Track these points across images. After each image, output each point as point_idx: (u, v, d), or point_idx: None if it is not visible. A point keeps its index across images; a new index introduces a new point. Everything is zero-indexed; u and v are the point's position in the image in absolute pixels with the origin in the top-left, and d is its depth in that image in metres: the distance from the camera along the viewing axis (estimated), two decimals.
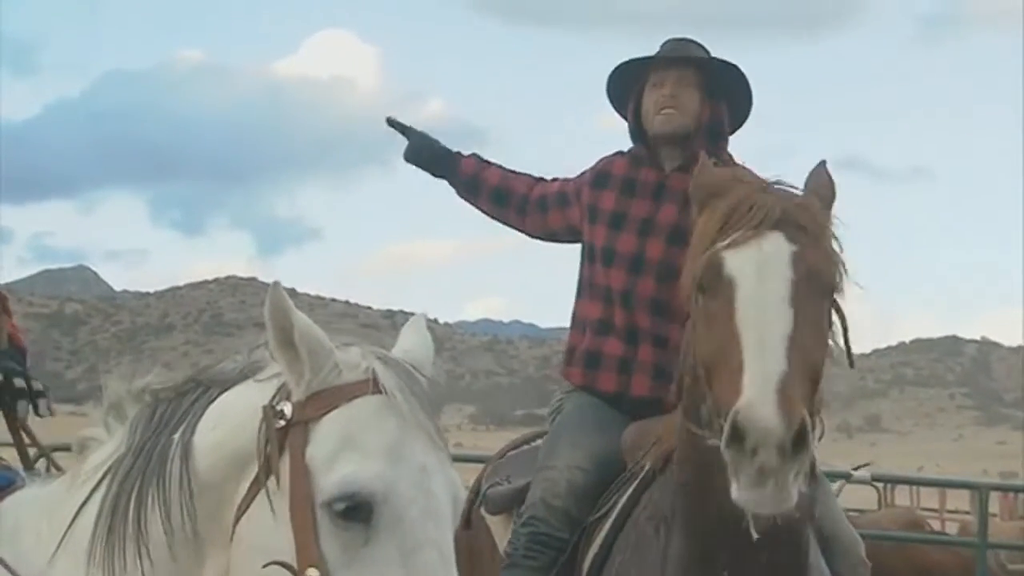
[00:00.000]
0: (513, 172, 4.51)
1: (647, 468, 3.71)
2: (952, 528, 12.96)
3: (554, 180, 4.45)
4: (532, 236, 4.50)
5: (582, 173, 4.34)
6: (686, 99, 4.04)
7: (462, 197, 4.58)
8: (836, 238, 3.28)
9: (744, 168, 3.55)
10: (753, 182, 3.33)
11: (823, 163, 3.46)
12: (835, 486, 8.27)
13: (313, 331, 2.32)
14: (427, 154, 4.54)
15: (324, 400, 2.29)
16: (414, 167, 4.55)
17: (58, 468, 2.97)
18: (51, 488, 2.62)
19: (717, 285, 3.14)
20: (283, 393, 2.33)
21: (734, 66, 4.12)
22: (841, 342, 3.30)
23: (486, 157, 4.54)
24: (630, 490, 3.74)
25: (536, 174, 4.51)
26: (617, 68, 4.17)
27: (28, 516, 2.55)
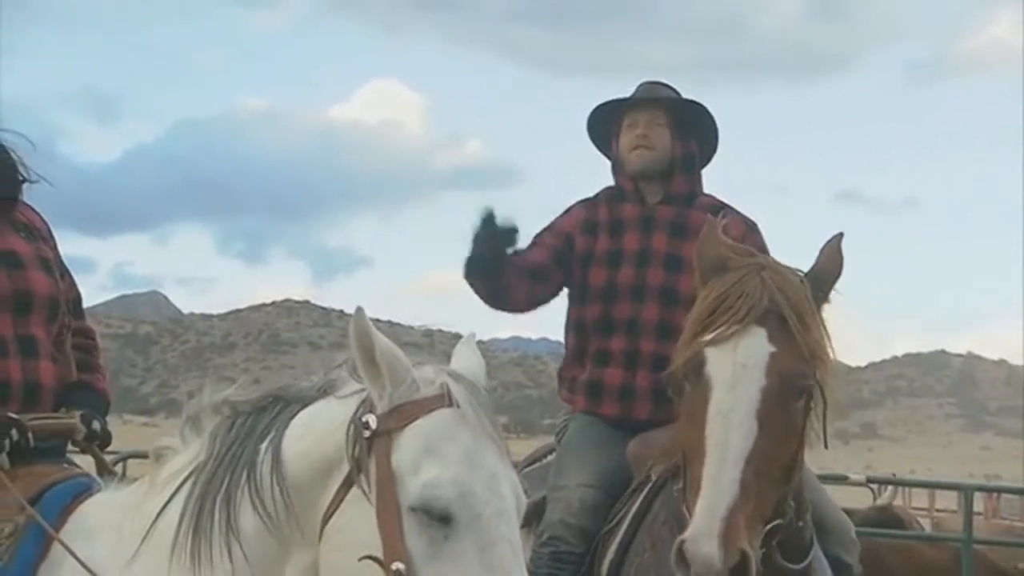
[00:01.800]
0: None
1: (655, 477, 3.69)
2: (929, 525, 12.84)
3: (531, 247, 4.03)
4: (526, 310, 4.10)
5: (554, 224, 4.10)
6: (657, 137, 3.99)
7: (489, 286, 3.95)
8: (823, 325, 3.21)
9: (742, 245, 3.39)
10: (749, 264, 3.23)
11: (839, 236, 3.34)
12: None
13: (392, 350, 2.34)
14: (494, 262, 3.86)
15: (405, 413, 2.31)
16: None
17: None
18: (129, 491, 2.61)
19: (697, 383, 3.12)
20: (366, 407, 2.35)
21: (700, 105, 4.06)
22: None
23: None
24: (640, 499, 3.72)
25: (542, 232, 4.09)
26: (595, 110, 4.12)
27: (108, 517, 2.54)
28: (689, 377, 3.16)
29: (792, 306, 3.13)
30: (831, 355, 3.21)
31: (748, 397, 3.04)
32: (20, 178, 3.00)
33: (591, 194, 4.20)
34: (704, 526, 2.88)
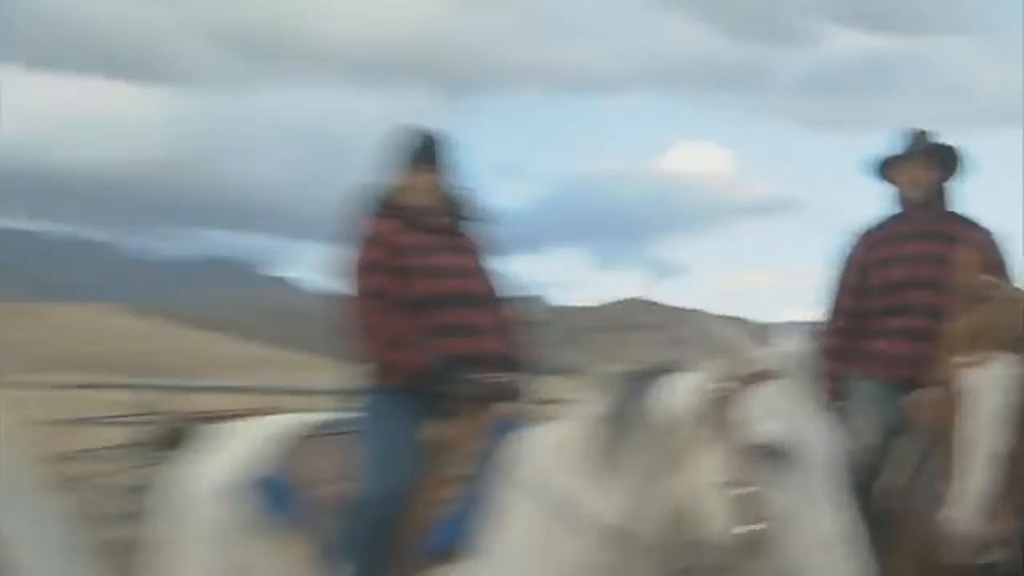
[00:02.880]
0: None
1: (926, 431, 4.10)
2: None
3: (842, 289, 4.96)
4: None
5: (851, 259, 4.97)
6: (923, 175, 4.94)
7: None
8: None
9: (994, 279, 4.01)
10: (1003, 298, 3.82)
11: None
12: None
13: (735, 337, 3.11)
14: None
15: (747, 381, 3.04)
16: None
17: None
18: (552, 428, 3.51)
19: (955, 397, 3.69)
20: (717, 376, 3.09)
21: (950, 147, 4.94)
22: None
23: None
24: (920, 444, 4.16)
25: None
26: (883, 159, 4.98)
27: (542, 445, 3.46)
28: (948, 391, 3.75)
29: None
30: None
31: (997, 410, 3.62)
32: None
33: (874, 223, 5.08)
34: (969, 504, 3.49)
